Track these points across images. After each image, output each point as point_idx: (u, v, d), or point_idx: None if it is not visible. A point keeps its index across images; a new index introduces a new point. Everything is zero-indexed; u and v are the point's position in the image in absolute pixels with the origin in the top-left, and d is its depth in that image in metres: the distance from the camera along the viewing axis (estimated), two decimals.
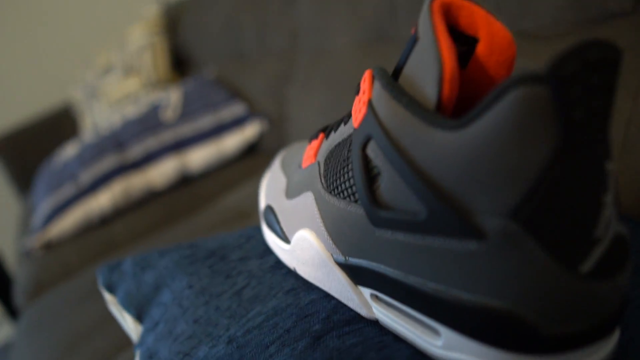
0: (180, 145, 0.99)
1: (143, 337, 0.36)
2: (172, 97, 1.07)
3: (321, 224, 0.29)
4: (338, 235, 0.27)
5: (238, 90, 1.08)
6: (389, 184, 0.23)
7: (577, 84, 0.17)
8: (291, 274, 0.33)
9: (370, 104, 0.24)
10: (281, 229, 0.33)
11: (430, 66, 0.21)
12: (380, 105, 0.23)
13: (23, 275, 0.85)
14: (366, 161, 0.24)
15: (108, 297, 0.41)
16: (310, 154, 0.32)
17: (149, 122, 1.02)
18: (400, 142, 0.22)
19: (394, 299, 0.24)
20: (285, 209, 0.33)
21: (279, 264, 0.34)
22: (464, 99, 0.26)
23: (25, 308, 0.73)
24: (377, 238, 0.24)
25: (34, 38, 1.62)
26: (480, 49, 0.24)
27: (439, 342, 0.23)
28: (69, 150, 1.07)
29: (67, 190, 0.95)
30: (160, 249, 0.41)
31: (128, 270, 0.41)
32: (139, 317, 0.39)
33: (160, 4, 1.47)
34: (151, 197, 0.97)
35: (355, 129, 0.25)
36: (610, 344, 0.21)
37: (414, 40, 0.22)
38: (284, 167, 0.38)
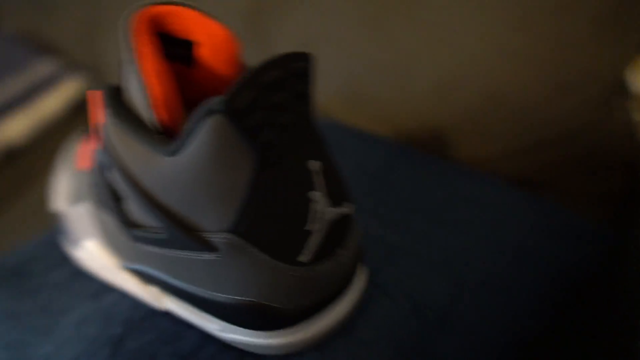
0: None
1: None
2: None
3: (100, 235, 0.29)
4: (113, 245, 0.28)
5: (45, 44, 0.96)
6: (132, 206, 0.23)
7: (256, 110, 0.18)
8: (92, 278, 0.33)
9: (104, 129, 0.23)
10: (72, 236, 0.33)
11: (139, 92, 0.21)
12: (111, 131, 0.22)
13: None
14: (109, 184, 0.24)
15: None
16: (84, 156, 0.31)
17: None
18: (130, 168, 0.22)
19: (173, 295, 0.26)
20: (71, 215, 0.33)
21: (78, 270, 0.34)
22: (201, 95, 0.26)
23: None
24: (139, 249, 0.25)
25: None
26: (204, 51, 0.24)
27: (216, 326, 0.25)
28: None
29: None
30: None
31: None
32: None
33: None
34: None
35: (96, 150, 0.24)
36: (342, 306, 0.25)
37: (120, 62, 0.22)
38: (70, 163, 0.36)
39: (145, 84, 0.21)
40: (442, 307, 0.27)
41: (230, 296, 0.22)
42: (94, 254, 0.30)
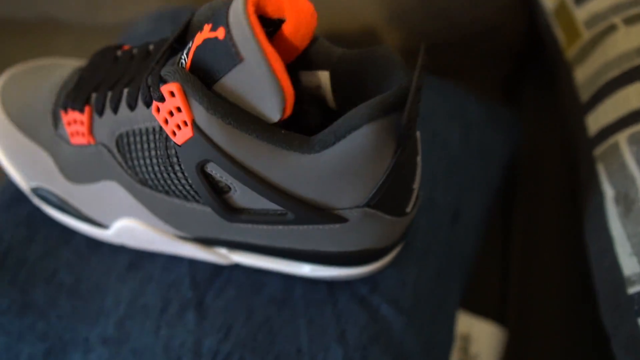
0: None
1: None
2: None
3: (149, 214, 0.28)
4: (179, 224, 0.28)
5: None
6: (244, 196, 0.24)
7: (412, 115, 0.21)
8: (118, 248, 0.32)
9: (197, 127, 0.22)
10: (85, 216, 0.30)
11: (267, 92, 0.21)
12: (213, 130, 0.22)
13: None
14: (209, 177, 0.24)
15: None
16: (78, 129, 0.28)
17: None
18: (248, 165, 0.22)
19: (257, 253, 0.29)
20: (79, 195, 0.30)
21: (94, 242, 0.32)
22: None
23: None
24: (234, 227, 0.26)
25: None
26: (288, 27, 0.23)
27: (306, 269, 0.29)
28: None
29: None
30: None
31: None
32: None
33: None
34: None
35: (178, 146, 0.23)
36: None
37: (235, 59, 0.20)
38: (24, 126, 0.31)
39: (281, 86, 0.20)
40: (454, 205, 0.35)
41: (344, 249, 0.26)
42: (140, 233, 0.29)
